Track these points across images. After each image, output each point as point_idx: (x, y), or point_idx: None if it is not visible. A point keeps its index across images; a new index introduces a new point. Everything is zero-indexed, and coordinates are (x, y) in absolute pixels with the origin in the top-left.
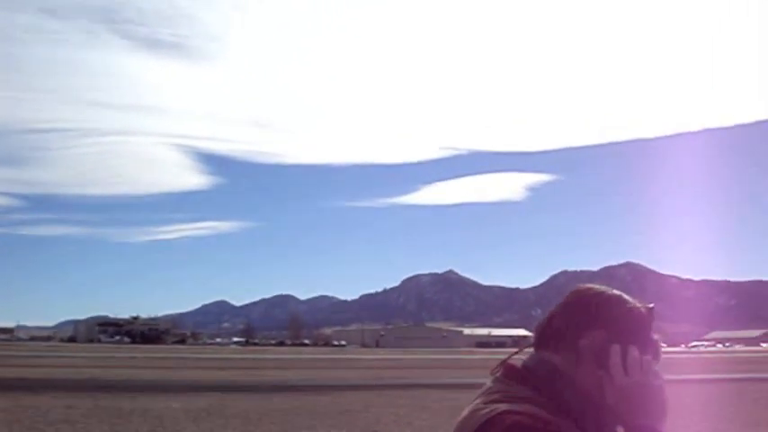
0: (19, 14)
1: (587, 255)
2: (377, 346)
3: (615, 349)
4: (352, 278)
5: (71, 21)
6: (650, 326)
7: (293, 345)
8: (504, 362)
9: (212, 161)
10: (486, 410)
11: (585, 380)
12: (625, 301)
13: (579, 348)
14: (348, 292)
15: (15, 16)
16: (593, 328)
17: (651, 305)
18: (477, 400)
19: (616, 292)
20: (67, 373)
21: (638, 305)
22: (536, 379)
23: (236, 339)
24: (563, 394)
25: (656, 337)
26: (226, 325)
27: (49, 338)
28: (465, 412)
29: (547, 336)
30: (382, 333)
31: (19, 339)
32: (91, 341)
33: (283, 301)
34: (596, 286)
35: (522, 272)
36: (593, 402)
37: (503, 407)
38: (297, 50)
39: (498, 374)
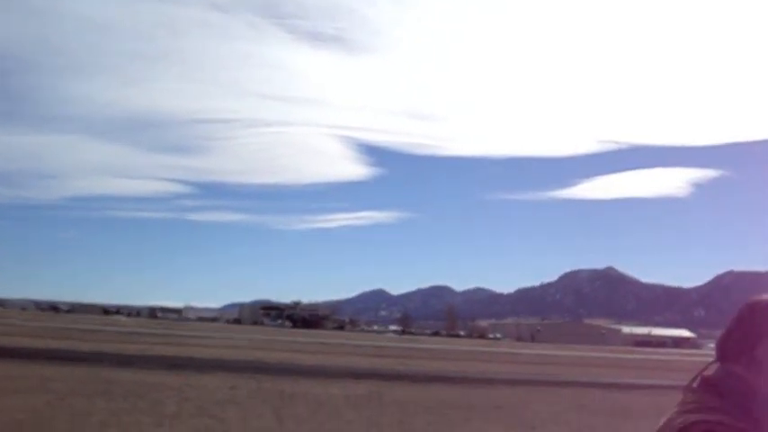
0: (188, 9)
1: (755, 254)
2: (532, 340)
3: None
4: (508, 271)
5: (236, 15)
6: None
7: (448, 335)
8: (699, 374)
9: (372, 152)
10: (680, 420)
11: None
12: None
13: (757, 357)
14: (504, 285)
15: (185, 11)
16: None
17: None
18: (673, 411)
19: None
20: (233, 354)
21: None
22: (724, 390)
23: (392, 328)
24: (749, 402)
25: None
26: (383, 313)
27: (215, 320)
28: (661, 422)
29: (727, 349)
30: (539, 328)
31: (187, 320)
32: (255, 324)
33: (439, 291)
34: (766, 296)
35: (686, 270)
36: None
37: (695, 417)
38: (456, 43)
39: (694, 386)
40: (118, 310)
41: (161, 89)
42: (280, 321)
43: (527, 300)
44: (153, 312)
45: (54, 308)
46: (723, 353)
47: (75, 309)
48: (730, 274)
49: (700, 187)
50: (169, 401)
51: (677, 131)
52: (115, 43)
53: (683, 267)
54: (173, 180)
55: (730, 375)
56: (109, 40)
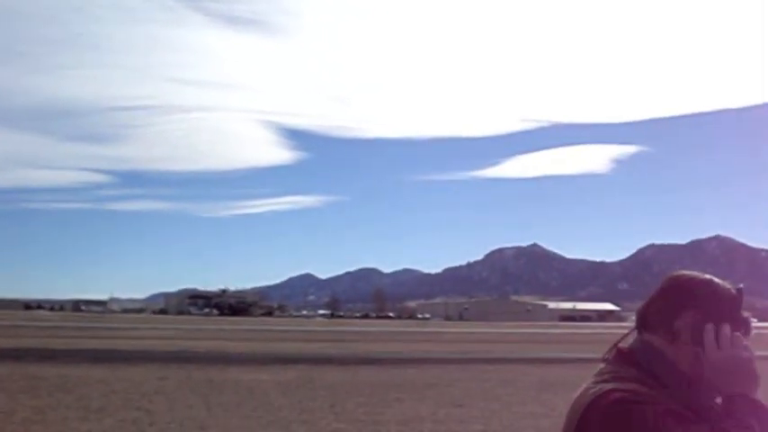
0: None
1: (675, 228)
2: (461, 319)
3: (709, 327)
4: (435, 252)
5: None
6: (740, 305)
7: (378, 317)
8: (614, 345)
9: (295, 136)
10: (595, 389)
11: (682, 357)
12: (716, 284)
13: (675, 329)
14: (432, 265)
15: None
16: (687, 310)
17: (741, 286)
18: (590, 381)
19: (707, 276)
20: (160, 344)
21: (729, 286)
22: (639, 359)
23: (321, 312)
24: (662, 371)
25: (745, 314)
26: (311, 298)
27: (140, 311)
28: (578, 392)
29: (646, 319)
30: (466, 306)
31: (112, 312)
32: (181, 313)
33: (367, 274)
34: (689, 272)
35: (608, 245)
36: (690, 377)
37: (609, 386)
38: (375, 24)
39: (609, 357)
40: (40, 305)
41: (76, 76)
42: (207, 310)
43: (454, 279)
44: (77, 306)
45: None
46: (642, 323)
47: None
48: (651, 247)
49: (620, 163)
50: (95, 395)
51: (597, 109)
52: (27, 29)
53: (605, 242)
54: (91, 170)
55: (646, 345)
56: (20, 26)
